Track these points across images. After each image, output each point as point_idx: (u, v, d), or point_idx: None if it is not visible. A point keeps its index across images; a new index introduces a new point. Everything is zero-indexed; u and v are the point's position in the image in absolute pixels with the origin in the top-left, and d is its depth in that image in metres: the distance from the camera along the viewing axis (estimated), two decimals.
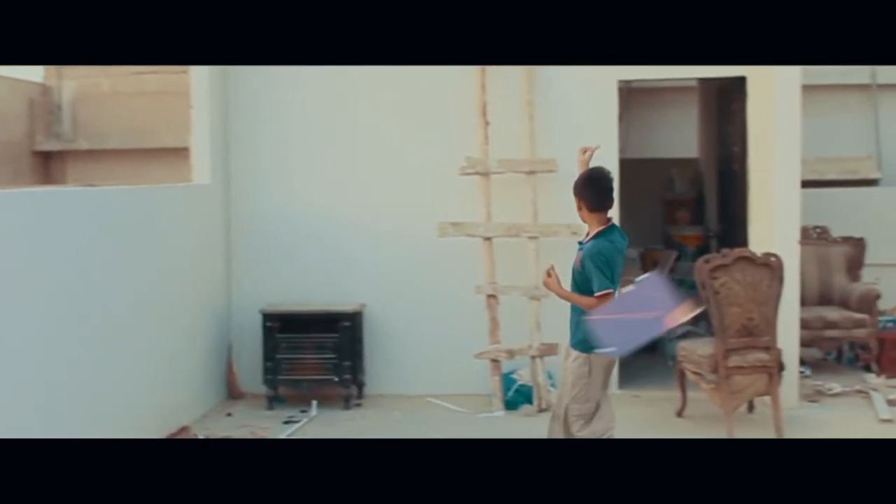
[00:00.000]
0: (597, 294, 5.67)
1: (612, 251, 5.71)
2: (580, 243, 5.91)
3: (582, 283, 5.80)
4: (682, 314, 5.44)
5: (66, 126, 13.53)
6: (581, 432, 5.85)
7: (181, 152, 9.48)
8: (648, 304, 5.46)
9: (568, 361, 5.94)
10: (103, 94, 13.51)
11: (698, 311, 5.59)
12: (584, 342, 5.79)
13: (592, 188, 5.80)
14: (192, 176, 8.92)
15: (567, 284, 5.91)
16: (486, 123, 8.73)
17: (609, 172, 5.90)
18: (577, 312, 5.84)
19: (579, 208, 5.86)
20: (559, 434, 6.03)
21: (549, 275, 5.85)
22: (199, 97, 8.83)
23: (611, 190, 5.83)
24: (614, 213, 8.73)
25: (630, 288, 5.57)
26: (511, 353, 8.64)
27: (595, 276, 5.66)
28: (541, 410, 8.46)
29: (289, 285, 9.09)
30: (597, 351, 5.69)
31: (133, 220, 7.41)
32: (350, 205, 9.14)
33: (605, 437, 5.85)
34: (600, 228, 5.78)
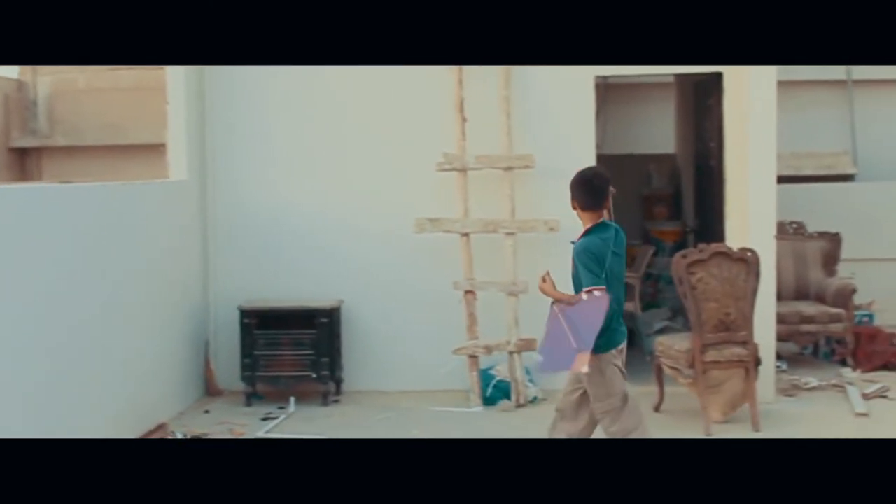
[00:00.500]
0: (585, 291, 5.60)
1: (601, 247, 5.65)
2: (573, 242, 5.85)
3: (577, 284, 5.76)
4: (581, 363, 5.47)
5: (42, 122, 13.44)
6: (612, 427, 5.77)
7: (158, 148, 9.44)
8: (580, 331, 5.49)
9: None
10: (79, 91, 13.42)
11: (586, 369, 5.58)
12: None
13: (583, 187, 5.77)
14: (169, 172, 8.88)
15: (565, 289, 5.87)
16: (464, 120, 8.73)
17: (603, 172, 5.86)
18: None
19: (574, 207, 5.85)
20: (562, 431, 5.94)
21: (543, 280, 5.81)
22: (175, 93, 8.79)
23: (602, 189, 5.76)
24: None
25: (584, 297, 5.55)
26: (489, 349, 8.65)
27: (583, 273, 5.62)
28: (519, 406, 8.48)
29: (267, 281, 9.07)
30: (538, 357, 5.78)
31: (109, 217, 7.37)
32: (328, 201, 9.12)
33: (633, 434, 5.74)
34: (590, 226, 5.76)
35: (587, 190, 5.76)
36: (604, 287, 5.55)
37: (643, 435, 5.76)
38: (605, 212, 5.81)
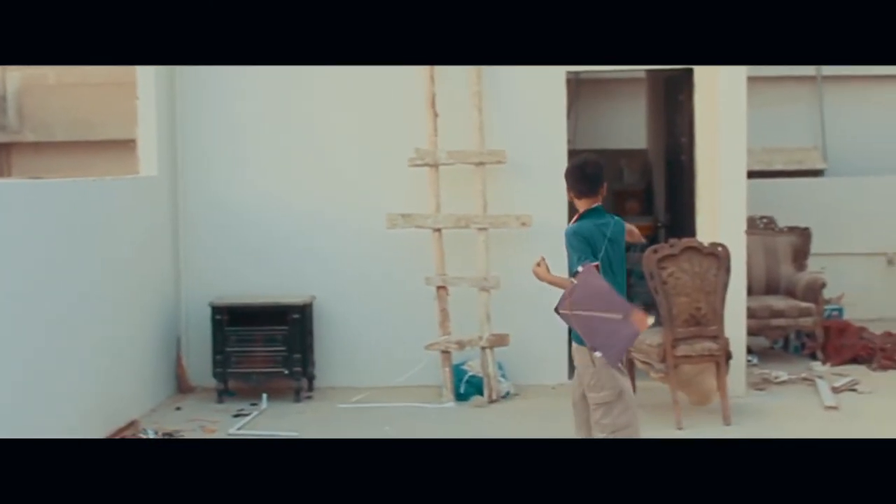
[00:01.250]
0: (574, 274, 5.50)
1: (592, 231, 5.55)
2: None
3: (572, 272, 5.63)
4: (643, 320, 5.24)
5: (11, 118, 13.33)
6: (603, 420, 5.63)
7: (129, 144, 9.38)
8: (604, 303, 5.27)
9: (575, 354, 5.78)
10: (49, 86, 13.31)
11: (652, 319, 5.46)
12: (580, 336, 5.61)
13: (575, 174, 5.70)
14: (139, 168, 8.83)
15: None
16: (435, 115, 8.72)
17: (596, 160, 5.77)
18: None
19: (570, 198, 5.79)
20: (583, 428, 5.82)
21: (538, 264, 5.72)
22: (146, 88, 8.74)
23: (594, 176, 5.67)
24: (560, 201, 8.88)
25: (574, 280, 5.39)
26: (461, 345, 8.66)
27: (572, 256, 5.56)
28: (491, 401, 8.49)
29: (238, 278, 9.04)
30: (596, 354, 5.46)
31: (79, 214, 7.33)
32: (300, 196, 9.10)
33: (622, 434, 5.59)
34: (581, 211, 5.69)
35: (580, 176, 5.69)
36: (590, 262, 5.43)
37: (632, 436, 5.61)
38: (600, 199, 5.70)
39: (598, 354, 5.43)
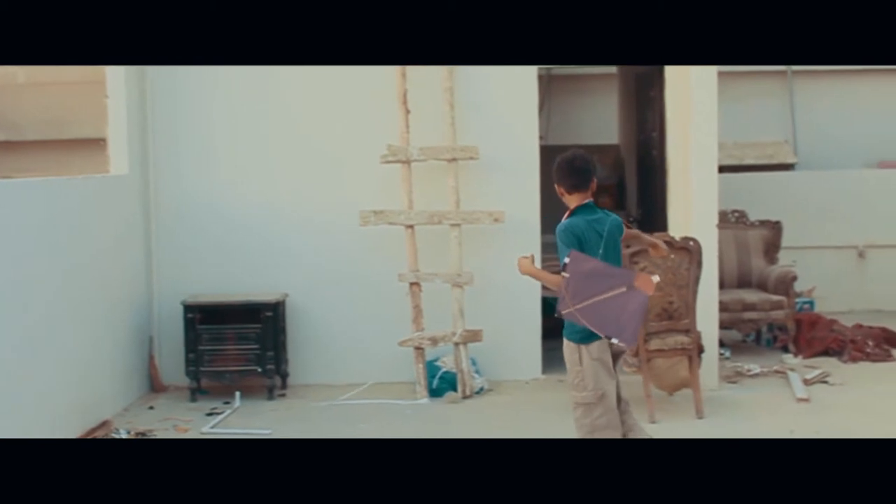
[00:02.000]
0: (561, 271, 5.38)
1: (583, 228, 5.43)
2: None
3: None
4: (647, 281, 5.20)
5: None
6: (582, 420, 5.54)
7: (100, 143, 9.33)
8: (603, 282, 5.20)
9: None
10: (19, 85, 13.23)
11: (657, 277, 5.39)
12: (571, 333, 5.54)
13: (564, 169, 5.57)
14: (110, 167, 8.79)
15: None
16: (407, 111, 8.72)
17: (584, 154, 5.64)
18: None
19: (561, 194, 5.63)
20: (629, 426, 5.66)
21: (525, 256, 5.60)
22: (116, 86, 8.69)
23: (583, 170, 5.53)
24: (532, 197, 8.92)
25: (565, 275, 5.26)
26: (434, 341, 8.66)
27: (561, 252, 5.41)
28: (465, 397, 8.50)
29: (211, 276, 9.01)
30: (613, 341, 5.37)
31: (49, 213, 7.28)
32: (272, 194, 9.08)
33: (599, 435, 5.50)
34: (573, 207, 5.56)
35: (569, 171, 5.55)
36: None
37: (611, 437, 5.53)
38: (591, 194, 5.57)
39: (615, 341, 5.34)
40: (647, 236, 6.27)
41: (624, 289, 5.18)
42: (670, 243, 7.84)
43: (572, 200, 5.57)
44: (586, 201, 5.54)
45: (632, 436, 5.60)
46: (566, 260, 5.28)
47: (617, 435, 5.58)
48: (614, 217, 5.62)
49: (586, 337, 5.48)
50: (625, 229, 5.70)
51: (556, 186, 5.62)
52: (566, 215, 5.56)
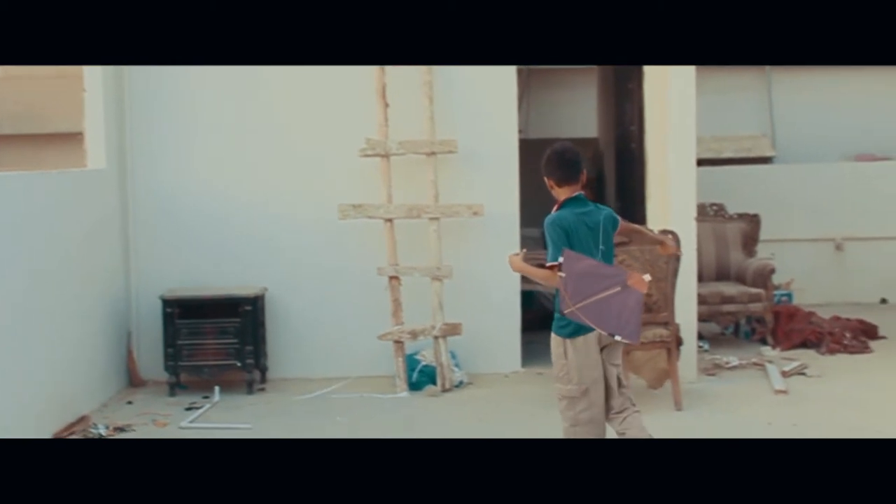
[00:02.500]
0: (548, 265, 5.25)
1: (571, 221, 5.30)
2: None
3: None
4: (640, 281, 5.12)
5: None
6: (566, 412, 5.44)
7: (77, 137, 9.28)
8: (598, 282, 5.14)
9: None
10: None
11: (649, 276, 5.34)
12: (558, 327, 5.42)
13: (554, 162, 5.44)
14: (87, 161, 8.74)
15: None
16: (386, 105, 8.70)
17: (572, 146, 5.52)
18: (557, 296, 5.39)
19: (550, 187, 5.48)
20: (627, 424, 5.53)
21: (516, 253, 5.49)
22: (93, 80, 8.64)
23: (573, 162, 5.41)
24: (511, 191, 8.92)
25: (561, 275, 5.15)
26: (414, 334, 8.65)
27: (549, 247, 5.31)
28: (445, 390, 8.50)
29: (190, 270, 8.98)
30: (616, 338, 5.26)
31: (25, 207, 7.23)
32: (251, 188, 9.05)
33: (581, 429, 5.40)
34: (562, 200, 5.43)
35: (559, 163, 5.42)
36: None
37: (592, 433, 5.42)
38: (580, 186, 5.44)
39: (618, 338, 5.26)
40: (651, 232, 6.20)
41: (619, 288, 5.17)
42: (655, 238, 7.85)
43: (562, 193, 5.43)
44: (576, 194, 5.42)
45: (630, 435, 5.46)
46: (560, 259, 5.17)
47: (599, 430, 5.49)
48: (607, 210, 5.51)
49: (573, 332, 5.39)
50: (621, 223, 5.60)
51: (545, 179, 5.48)
52: (555, 208, 5.45)
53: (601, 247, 5.40)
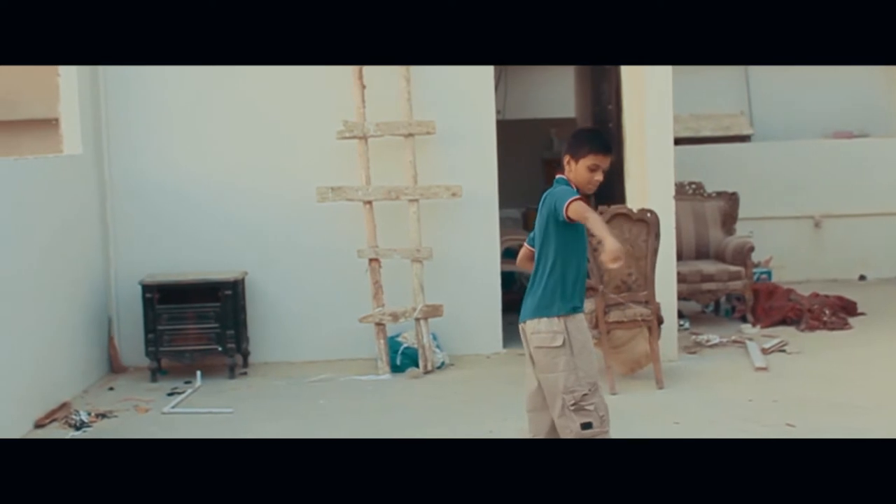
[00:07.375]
0: (572, 199, 4.90)
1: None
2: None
3: (543, 239, 5.04)
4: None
5: None
6: (577, 412, 4.84)
7: (52, 123, 9.22)
8: None
9: (531, 341, 4.99)
10: None
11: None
12: (547, 305, 4.91)
13: (587, 134, 5.31)
14: (63, 147, 8.69)
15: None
16: (363, 87, 8.67)
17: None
18: (536, 274, 5.00)
19: (566, 160, 5.17)
20: (543, 428, 5.07)
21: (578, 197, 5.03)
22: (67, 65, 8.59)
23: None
24: (490, 171, 8.92)
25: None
26: (395, 317, 8.65)
27: (564, 193, 4.95)
28: (427, 372, 8.51)
29: (170, 255, 8.94)
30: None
31: (2, 195, 7.18)
32: (229, 171, 9.01)
33: (607, 431, 4.87)
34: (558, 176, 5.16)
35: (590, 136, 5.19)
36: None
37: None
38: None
39: None
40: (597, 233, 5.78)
41: None
42: (628, 216, 7.87)
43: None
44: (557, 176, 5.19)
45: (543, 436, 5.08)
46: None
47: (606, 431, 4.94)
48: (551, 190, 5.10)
49: (573, 308, 4.93)
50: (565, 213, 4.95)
51: (583, 159, 5.13)
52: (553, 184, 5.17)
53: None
